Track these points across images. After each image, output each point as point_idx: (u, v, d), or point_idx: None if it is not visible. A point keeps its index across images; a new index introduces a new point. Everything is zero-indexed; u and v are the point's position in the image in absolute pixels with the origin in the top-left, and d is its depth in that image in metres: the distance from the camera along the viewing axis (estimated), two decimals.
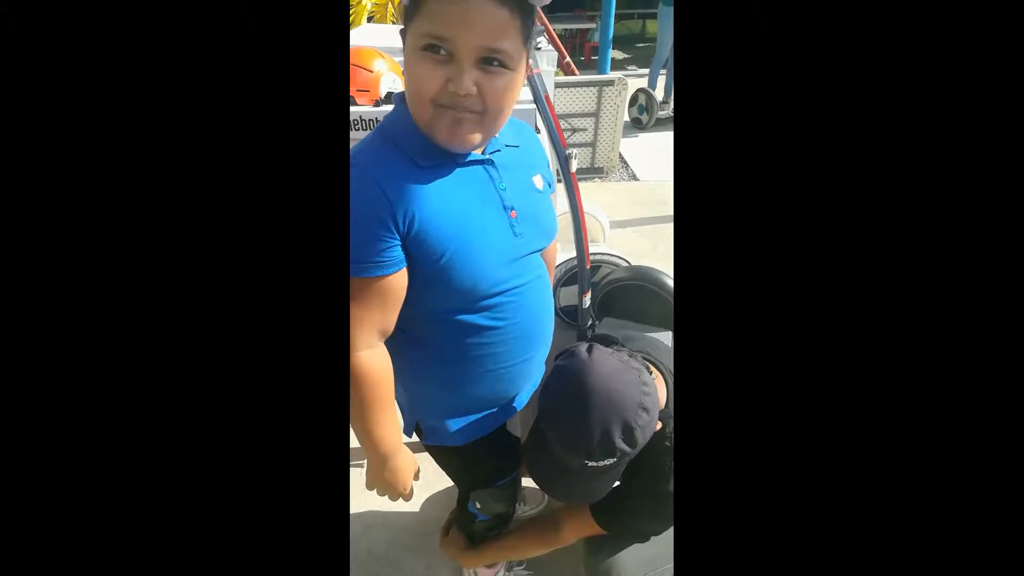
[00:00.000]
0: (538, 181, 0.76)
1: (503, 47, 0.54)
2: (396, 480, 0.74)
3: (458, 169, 0.64)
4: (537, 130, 1.50)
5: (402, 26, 0.58)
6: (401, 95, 0.65)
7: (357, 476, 1.49)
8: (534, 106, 1.19)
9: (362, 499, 1.44)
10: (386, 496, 0.77)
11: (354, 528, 1.36)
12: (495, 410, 0.81)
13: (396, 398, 0.76)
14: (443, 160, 0.63)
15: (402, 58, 0.61)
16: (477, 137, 0.61)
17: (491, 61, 0.55)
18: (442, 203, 0.62)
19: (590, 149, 3.38)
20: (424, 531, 1.33)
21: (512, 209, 0.69)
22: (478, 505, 0.87)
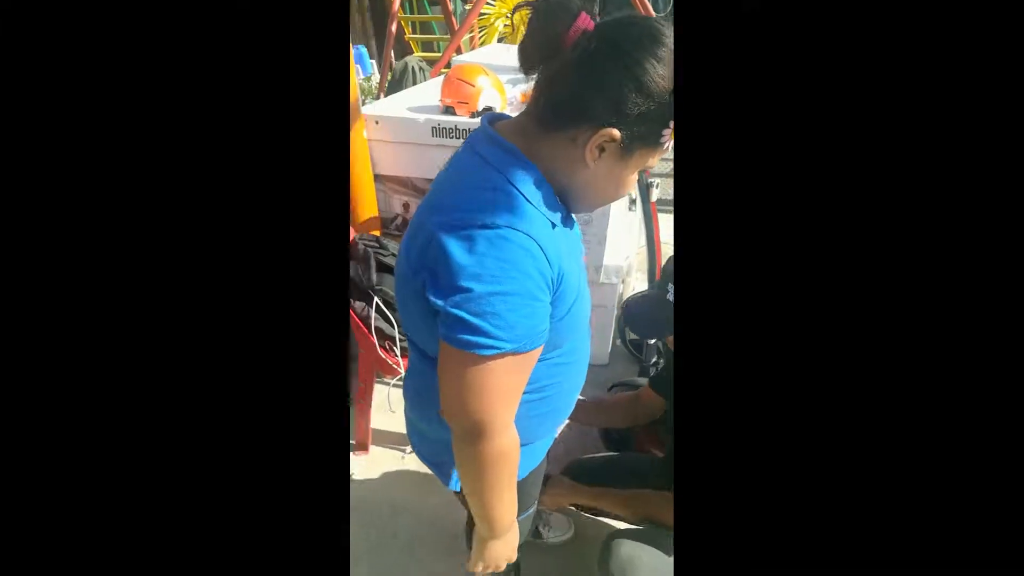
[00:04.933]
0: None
1: None
2: (509, 552, 0.75)
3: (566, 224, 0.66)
4: None
5: (595, 143, 0.56)
6: (492, 124, 0.63)
7: (390, 457, 1.57)
8: None
9: (396, 481, 1.51)
10: (489, 568, 0.77)
11: (383, 509, 1.43)
12: (546, 440, 0.83)
13: (447, 445, 0.75)
14: (563, 218, 0.63)
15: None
16: None
17: None
18: (568, 258, 0.62)
19: (671, 179, 3.25)
20: (457, 532, 1.36)
21: (585, 253, 0.73)
22: None
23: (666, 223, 1.53)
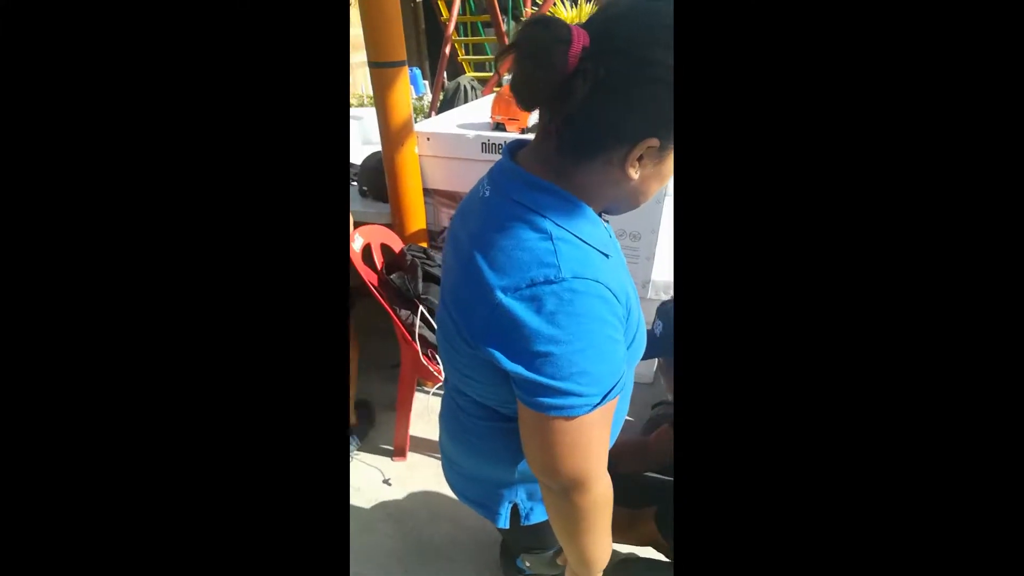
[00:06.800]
0: None
1: None
2: None
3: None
4: None
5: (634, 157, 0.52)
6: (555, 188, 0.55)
7: (429, 463, 1.59)
8: None
9: (435, 487, 1.53)
10: None
11: (421, 515, 1.45)
12: None
13: (495, 485, 0.75)
14: (610, 243, 0.60)
15: None
16: None
17: None
18: (628, 283, 0.58)
19: None
20: (491, 540, 1.36)
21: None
22: (527, 564, 0.89)
23: None
